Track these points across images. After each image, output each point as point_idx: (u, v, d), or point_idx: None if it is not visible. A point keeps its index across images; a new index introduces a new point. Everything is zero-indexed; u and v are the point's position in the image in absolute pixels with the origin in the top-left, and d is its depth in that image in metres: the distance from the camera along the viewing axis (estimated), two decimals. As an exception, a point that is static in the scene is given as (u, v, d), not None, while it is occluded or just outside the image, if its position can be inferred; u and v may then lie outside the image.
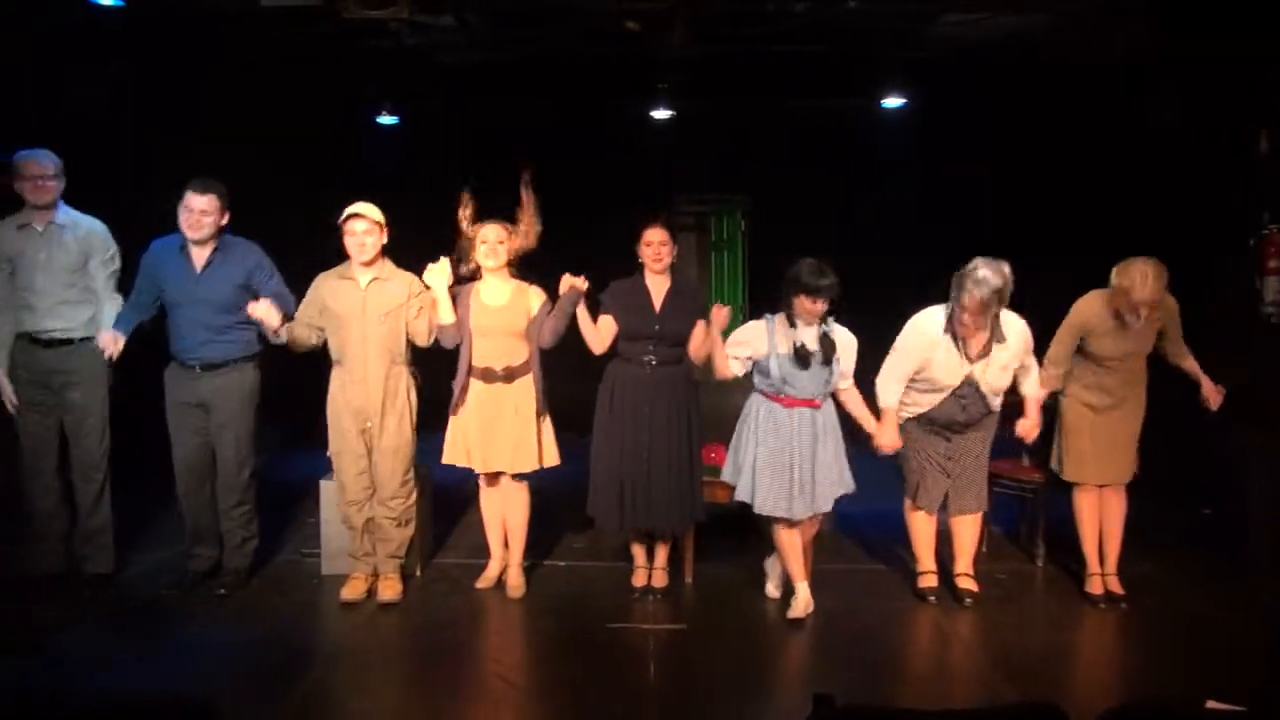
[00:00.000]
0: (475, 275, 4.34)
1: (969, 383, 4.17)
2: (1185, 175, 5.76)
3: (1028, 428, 4.30)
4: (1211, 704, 2.73)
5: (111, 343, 4.11)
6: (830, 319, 4.08)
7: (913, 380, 4.23)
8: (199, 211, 4.14)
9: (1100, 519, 4.40)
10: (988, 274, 3.97)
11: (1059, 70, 6.10)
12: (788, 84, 6.74)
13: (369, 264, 4.19)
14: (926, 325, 4.19)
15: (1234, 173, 5.68)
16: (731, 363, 4.11)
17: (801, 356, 3.99)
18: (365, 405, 4.23)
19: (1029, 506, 4.94)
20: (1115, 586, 4.39)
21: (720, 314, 4.15)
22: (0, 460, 4.39)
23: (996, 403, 4.28)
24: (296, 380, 4.44)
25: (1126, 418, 4.33)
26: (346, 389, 4.24)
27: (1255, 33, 5.03)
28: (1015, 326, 4.18)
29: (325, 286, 4.24)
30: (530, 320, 4.29)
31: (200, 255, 4.24)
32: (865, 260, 5.30)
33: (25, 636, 3.81)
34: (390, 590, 4.36)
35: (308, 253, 4.46)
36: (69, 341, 4.29)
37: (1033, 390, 4.30)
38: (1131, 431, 4.35)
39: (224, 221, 4.24)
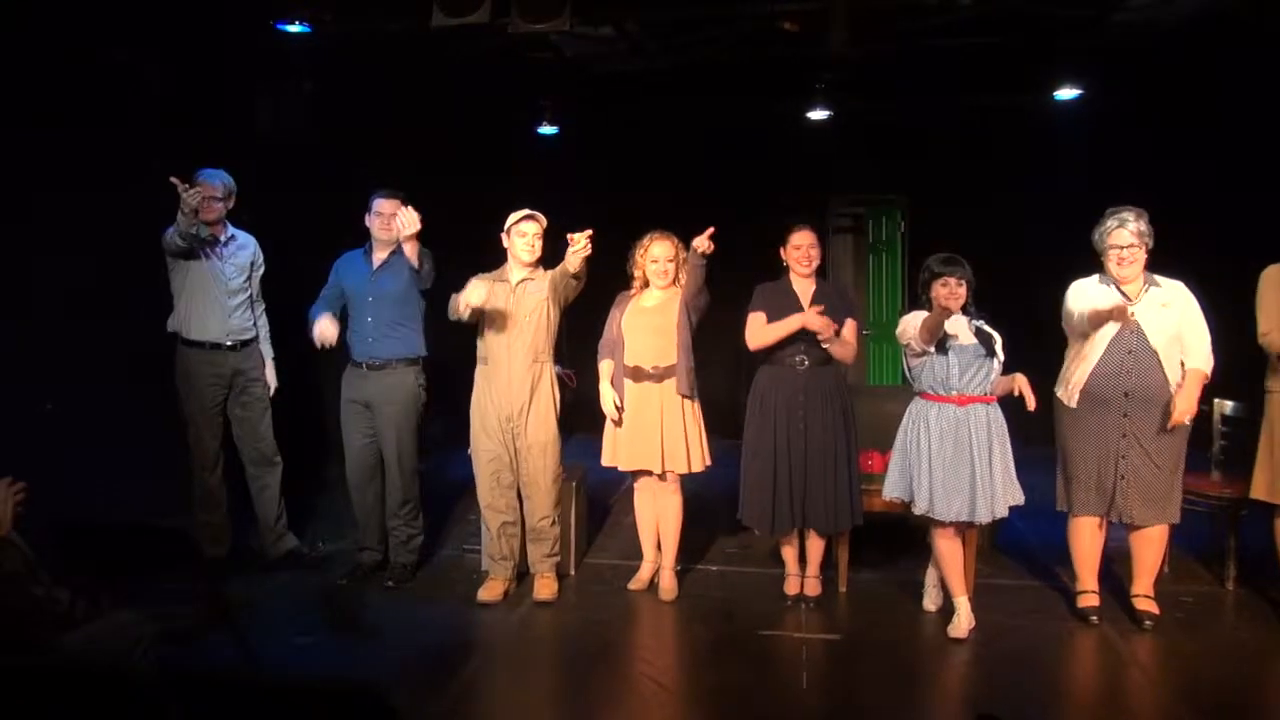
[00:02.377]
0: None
1: (1132, 330, 3.92)
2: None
3: (1181, 411, 3.91)
4: None
5: (328, 326, 4.43)
6: (975, 314, 3.93)
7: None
8: (389, 215, 4.38)
9: None
10: (1125, 213, 3.97)
11: (1248, 51, 5.61)
12: (948, 80, 6.51)
13: (530, 265, 4.32)
14: (1079, 281, 4.10)
15: None
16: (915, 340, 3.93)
17: (983, 338, 3.88)
18: (509, 402, 4.33)
19: (1217, 524, 4.57)
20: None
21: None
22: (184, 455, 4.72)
23: (1172, 372, 3.95)
24: (462, 380, 4.61)
25: None
26: (491, 386, 4.36)
27: None
28: (1174, 282, 4.00)
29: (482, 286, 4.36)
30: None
31: (379, 256, 4.54)
32: (1023, 259, 5.06)
33: (217, 615, 4.11)
34: (546, 589, 4.46)
35: (472, 257, 4.63)
36: (248, 343, 4.66)
37: (1198, 362, 3.95)
38: None
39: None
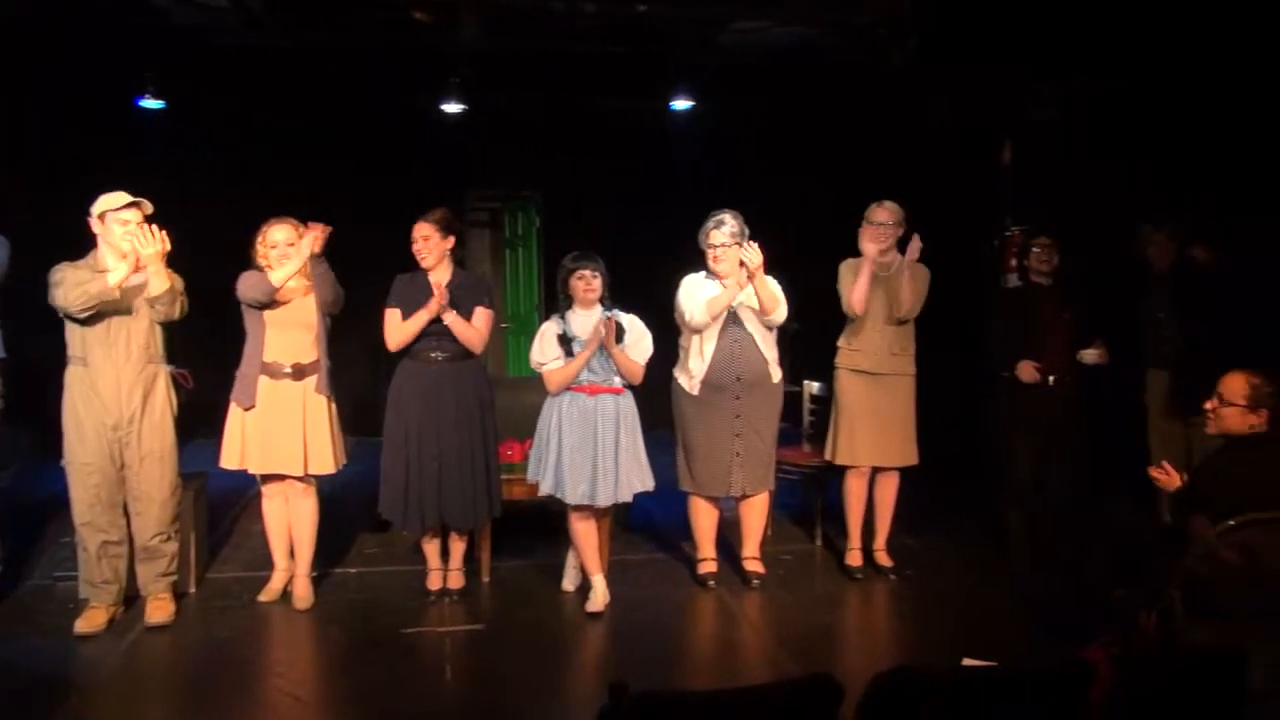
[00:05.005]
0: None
1: (735, 318, 4.34)
2: (949, 181, 6.28)
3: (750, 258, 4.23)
4: (968, 661, 2.99)
5: None
6: (610, 306, 4.17)
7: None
8: None
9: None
10: (723, 215, 4.32)
11: (840, 78, 6.47)
12: (580, 82, 6.80)
13: (127, 256, 3.88)
14: (688, 277, 4.44)
15: (987, 180, 6.27)
16: (549, 367, 4.14)
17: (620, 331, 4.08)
18: (116, 409, 3.89)
19: (809, 490, 5.21)
20: (885, 560, 4.72)
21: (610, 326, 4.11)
22: None
23: (770, 354, 4.41)
24: (47, 384, 4.03)
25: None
26: (93, 391, 3.88)
27: (1004, 55, 5.56)
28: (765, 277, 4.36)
29: (78, 275, 3.84)
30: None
31: None
32: (656, 259, 5.44)
33: None
34: (161, 612, 4.05)
35: (44, 246, 4.06)
36: None
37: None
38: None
39: None
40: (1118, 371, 4.79)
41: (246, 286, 4.09)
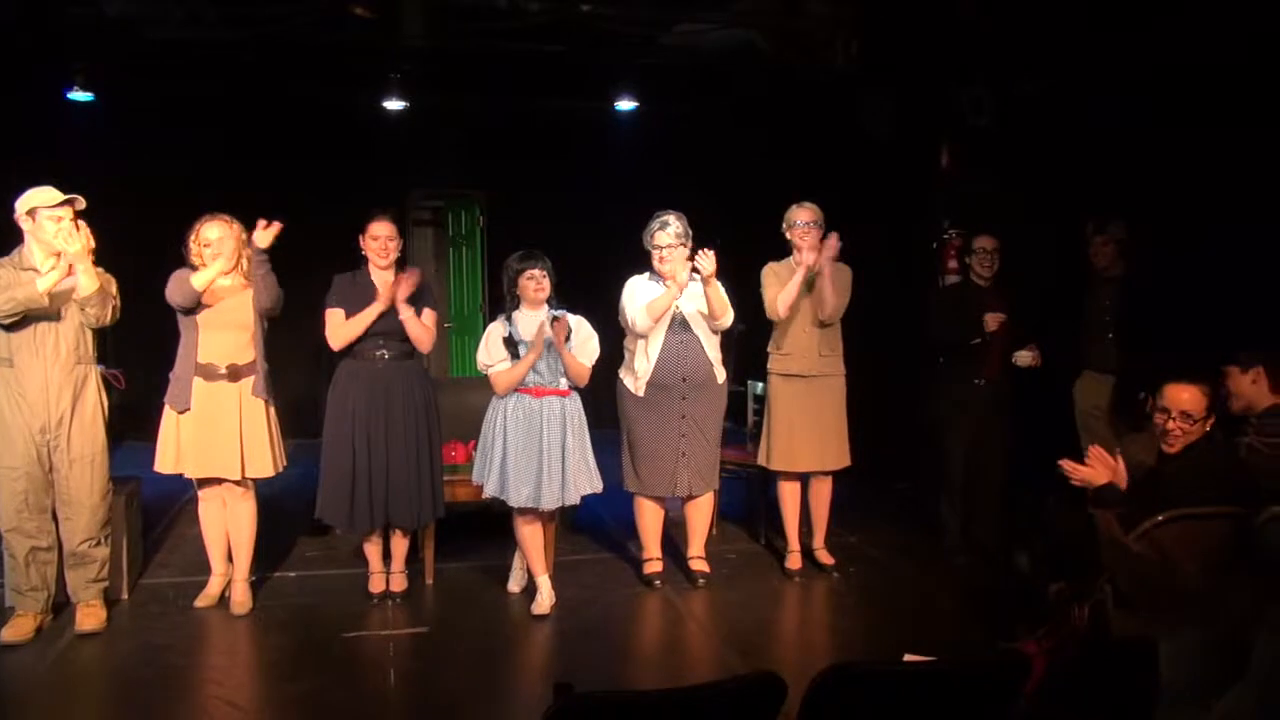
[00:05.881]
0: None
1: (681, 320, 4.35)
2: (887, 183, 6.38)
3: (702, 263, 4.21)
4: (909, 657, 3.05)
5: None
6: (556, 306, 4.15)
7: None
8: None
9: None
10: (667, 216, 4.34)
11: (782, 80, 6.53)
12: (523, 81, 6.77)
13: (60, 255, 3.76)
14: (633, 279, 4.45)
15: (925, 182, 6.37)
16: (497, 369, 4.10)
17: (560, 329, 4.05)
18: (44, 411, 3.78)
19: (752, 489, 5.26)
20: (825, 558, 4.78)
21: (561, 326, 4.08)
22: None
23: (714, 354, 4.43)
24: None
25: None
26: (19, 393, 3.76)
27: (943, 56, 5.66)
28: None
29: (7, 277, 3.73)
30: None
31: None
32: (599, 259, 5.45)
33: None
34: (92, 619, 3.94)
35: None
36: None
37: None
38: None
39: None
40: (1055, 372, 4.90)
41: (171, 290, 4.00)
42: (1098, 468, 3.44)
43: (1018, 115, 5.71)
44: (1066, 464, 3.47)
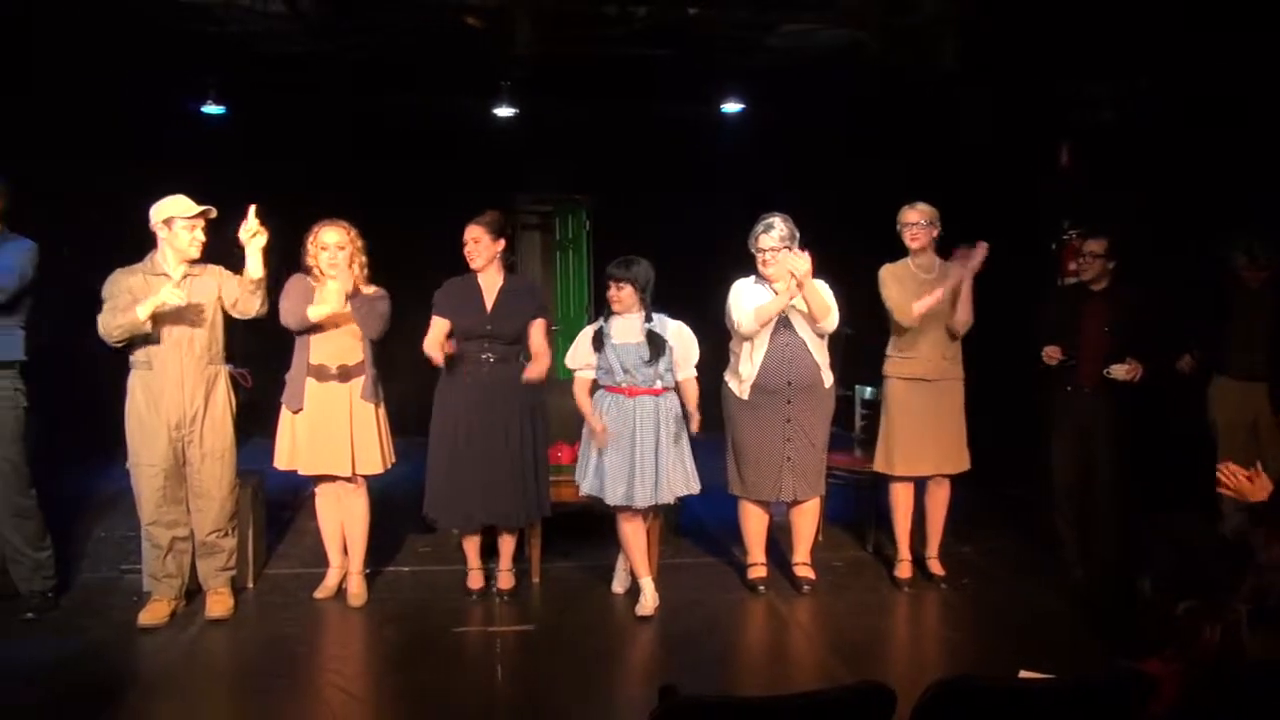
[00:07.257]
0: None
1: (786, 323, 4.30)
2: (998, 183, 6.18)
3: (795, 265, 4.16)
4: (1025, 673, 2.94)
5: None
6: (654, 312, 4.17)
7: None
8: None
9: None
10: (772, 219, 4.28)
11: (891, 80, 6.41)
12: (630, 86, 6.81)
13: (193, 260, 3.98)
14: (739, 281, 4.41)
15: (1039, 182, 6.15)
16: (580, 374, 4.21)
17: (652, 339, 4.09)
18: (179, 408, 3.98)
19: (860, 496, 5.16)
20: (937, 569, 4.65)
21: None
22: None
23: (821, 359, 4.37)
24: (97, 386, 4.14)
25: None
26: (158, 393, 3.97)
27: (1055, 54, 5.46)
28: (817, 281, 4.30)
29: (130, 283, 3.95)
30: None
31: None
32: (705, 262, 5.44)
33: None
34: (221, 606, 4.14)
35: (123, 250, 4.18)
36: None
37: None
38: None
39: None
40: (1182, 383, 4.67)
41: (284, 310, 4.16)
42: (1257, 482, 3.20)
43: (1142, 111, 5.45)
44: (1226, 471, 3.17)
